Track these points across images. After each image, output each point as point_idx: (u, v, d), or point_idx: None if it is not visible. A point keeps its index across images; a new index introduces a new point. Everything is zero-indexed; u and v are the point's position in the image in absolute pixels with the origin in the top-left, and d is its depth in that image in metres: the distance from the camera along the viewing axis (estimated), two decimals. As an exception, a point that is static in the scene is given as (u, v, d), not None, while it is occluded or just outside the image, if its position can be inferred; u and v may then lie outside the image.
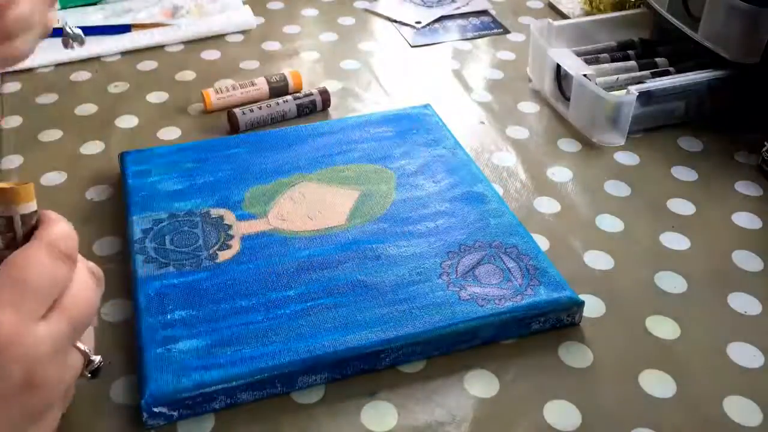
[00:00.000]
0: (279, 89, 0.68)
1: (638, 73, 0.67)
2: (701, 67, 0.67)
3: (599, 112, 0.63)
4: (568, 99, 0.67)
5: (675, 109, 0.66)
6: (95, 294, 0.35)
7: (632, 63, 0.69)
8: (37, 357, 0.31)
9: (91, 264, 0.36)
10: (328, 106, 0.68)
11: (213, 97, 0.67)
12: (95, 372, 0.36)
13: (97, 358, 0.36)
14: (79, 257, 0.35)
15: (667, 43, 0.72)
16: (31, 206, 0.33)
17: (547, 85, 0.69)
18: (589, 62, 0.69)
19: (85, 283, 0.34)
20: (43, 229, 0.33)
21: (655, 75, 0.67)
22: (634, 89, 0.62)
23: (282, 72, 0.70)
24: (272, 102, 0.66)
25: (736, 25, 0.62)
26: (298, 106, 0.65)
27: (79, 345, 0.34)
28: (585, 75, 0.64)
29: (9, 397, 0.30)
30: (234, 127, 0.64)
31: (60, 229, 0.33)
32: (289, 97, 0.66)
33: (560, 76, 0.68)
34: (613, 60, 0.70)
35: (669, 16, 0.69)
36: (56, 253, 0.32)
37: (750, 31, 0.62)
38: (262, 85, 0.68)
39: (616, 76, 0.66)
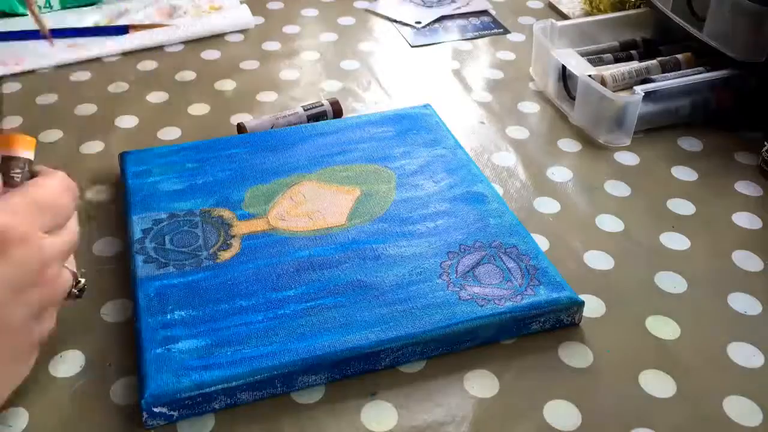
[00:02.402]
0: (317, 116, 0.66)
1: (645, 63, 0.67)
2: (704, 65, 0.67)
3: (605, 112, 0.63)
4: (573, 99, 0.67)
5: (680, 107, 0.66)
6: (76, 219, 0.42)
7: (636, 63, 0.69)
8: (47, 259, 0.38)
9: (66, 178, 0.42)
10: (340, 116, 0.66)
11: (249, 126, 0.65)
12: (81, 291, 0.43)
13: (83, 280, 0.43)
14: None
15: (669, 42, 0.72)
16: (31, 154, 0.41)
17: (551, 86, 0.70)
18: (592, 62, 0.69)
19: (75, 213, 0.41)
20: (48, 170, 0.41)
21: (664, 67, 0.67)
22: (640, 89, 0.62)
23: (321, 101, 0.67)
24: (281, 114, 0.65)
25: (741, 24, 0.62)
26: (309, 117, 0.64)
27: (68, 266, 0.41)
28: (593, 75, 0.64)
29: (27, 289, 0.37)
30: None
31: (61, 173, 0.41)
32: (299, 108, 0.65)
33: (566, 77, 0.68)
34: (616, 60, 0.70)
35: (673, 16, 0.69)
36: (69, 184, 0.41)
37: (755, 30, 0.62)
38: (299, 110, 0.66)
39: (620, 70, 0.66)
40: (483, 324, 0.45)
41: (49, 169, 0.41)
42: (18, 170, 0.40)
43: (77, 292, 0.42)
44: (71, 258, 0.42)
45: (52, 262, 0.38)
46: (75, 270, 0.42)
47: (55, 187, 0.40)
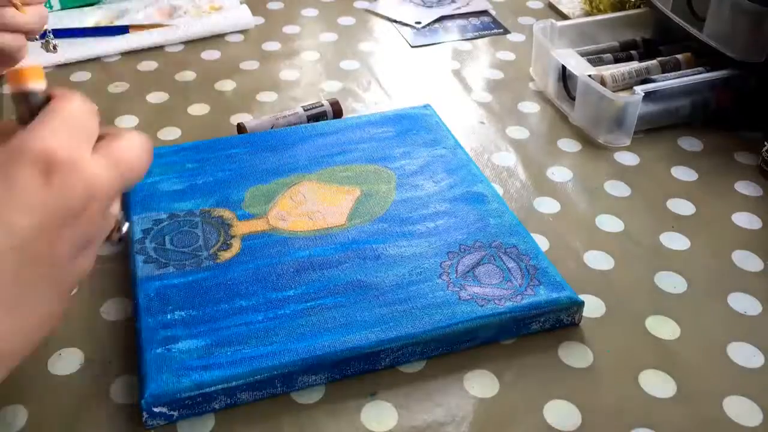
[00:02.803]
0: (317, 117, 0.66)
1: (645, 64, 0.67)
2: (704, 65, 0.67)
3: (605, 112, 0.63)
4: (573, 99, 0.67)
5: (680, 107, 0.66)
6: (146, 155, 0.37)
7: (636, 63, 0.69)
8: (94, 190, 0.33)
9: (144, 137, 0.38)
10: (340, 117, 0.66)
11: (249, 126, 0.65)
12: (122, 239, 0.39)
13: (126, 225, 0.39)
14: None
15: (669, 42, 0.72)
16: (42, 84, 0.36)
17: (551, 86, 0.70)
18: (592, 62, 0.69)
19: (138, 143, 0.36)
20: (62, 93, 0.36)
21: (664, 67, 0.67)
22: (640, 89, 0.62)
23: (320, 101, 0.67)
24: (281, 114, 0.65)
25: (741, 24, 0.62)
26: (309, 117, 0.64)
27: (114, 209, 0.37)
28: (593, 75, 0.64)
29: (71, 220, 0.33)
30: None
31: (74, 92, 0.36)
32: (299, 108, 0.65)
33: (566, 77, 0.68)
34: (616, 60, 0.70)
35: (673, 16, 0.69)
36: (87, 103, 0.35)
37: (755, 30, 0.62)
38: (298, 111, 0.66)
39: (620, 70, 0.66)
40: (483, 324, 0.45)
41: (64, 91, 0.36)
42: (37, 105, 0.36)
43: (119, 236, 0.39)
44: (117, 202, 0.39)
45: (98, 195, 0.34)
46: (118, 214, 0.38)
47: (76, 104, 0.35)
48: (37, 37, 0.52)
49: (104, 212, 0.35)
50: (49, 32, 0.56)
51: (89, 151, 0.34)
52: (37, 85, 0.35)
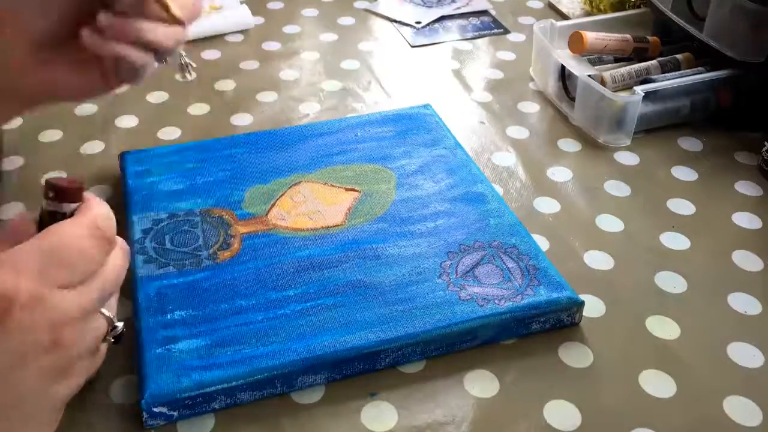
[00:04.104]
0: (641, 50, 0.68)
1: (645, 64, 0.67)
2: (705, 65, 0.67)
3: (605, 112, 0.63)
4: (573, 99, 0.67)
5: (681, 107, 0.66)
6: (124, 266, 0.37)
7: (635, 63, 0.69)
8: (63, 320, 0.33)
9: (119, 238, 0.37)
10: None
11: (590, 37, 0.67)
12: (118, 338, 0.37)
13: (120, 324, 0.37)
14: None
15: (669, 42, 0.72)
16: (75, 205, 0.36)
17: (551, 86, 0.69)
18: (592, 62, 0.69)
19: (116, 259, 0.36)
20: (86, 208, 0.35)
21: (663, 67, 0.67)
22: (640, 89, 0.62)
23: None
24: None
25: (741, 24, 0.62)
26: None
27: (104, 311, 0.36)
28: (593, 75, 0.64)
29: (37, 355, 0.32)
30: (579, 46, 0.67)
31: (101, 210, 0.35)
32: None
33: (565, 77, 0.68)
34: (616, 60, 0.70)
35: (673, 16, 0.69)
36: (96, 232, 0.34)
37: (755, 30, 0.62)
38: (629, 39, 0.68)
39: (620, 71, 0.66)
40: (483, 324, 0.45)
41: (88, 201, 0.36)
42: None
43: (112, 340, 0.37)
44: (112, 300, 0.38)
45: (69, 322, 0.33)
46: (110, 314, 0.37)
47: (75, 234, 0.34)
48: (165, 59, 0.45)
49: (83, 331, 0.34)
50: (182, 54, 0.48)
51: (63, 280, 0.33)
52: (71, 206, 0.35)
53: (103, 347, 0.37)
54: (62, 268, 0.33)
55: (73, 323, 0.33)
